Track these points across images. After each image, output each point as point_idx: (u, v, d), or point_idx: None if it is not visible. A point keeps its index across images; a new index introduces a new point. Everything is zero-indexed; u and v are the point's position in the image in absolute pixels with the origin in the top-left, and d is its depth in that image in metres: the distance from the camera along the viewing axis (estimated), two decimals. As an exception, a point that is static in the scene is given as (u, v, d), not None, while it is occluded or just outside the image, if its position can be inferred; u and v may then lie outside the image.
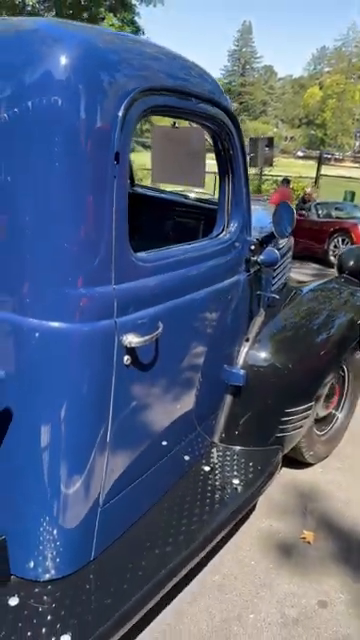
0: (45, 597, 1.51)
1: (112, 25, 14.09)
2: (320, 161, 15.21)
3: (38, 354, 1.34)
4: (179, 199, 2.91)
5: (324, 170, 16.22)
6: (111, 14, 14.35)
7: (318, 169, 15.29)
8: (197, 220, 2.59)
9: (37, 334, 1.33)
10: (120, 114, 1.31)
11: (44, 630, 1.42)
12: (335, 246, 9.40)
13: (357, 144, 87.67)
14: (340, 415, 3.09)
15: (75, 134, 1.26)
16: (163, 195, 3.07)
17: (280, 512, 2.59)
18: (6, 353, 1.34)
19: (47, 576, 1.55)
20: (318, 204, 10.80)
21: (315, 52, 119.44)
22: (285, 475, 2.84)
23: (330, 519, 2.56)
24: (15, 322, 1.32)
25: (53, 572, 1.55)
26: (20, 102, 1.27)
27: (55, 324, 1.34)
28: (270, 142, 13.00)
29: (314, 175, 15.64)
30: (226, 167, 1.94)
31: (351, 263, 3.41)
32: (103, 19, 14.17)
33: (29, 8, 14.05)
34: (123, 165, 1.36)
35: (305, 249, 9.34)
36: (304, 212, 10.27)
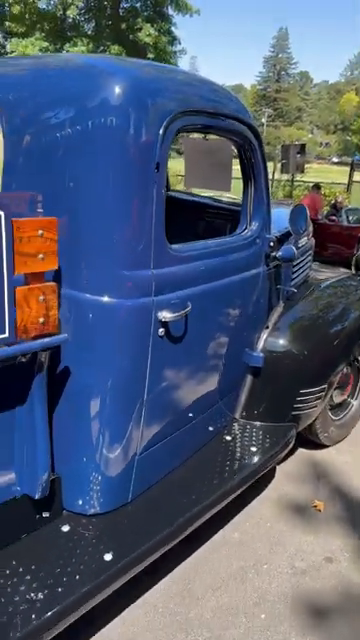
0: (90, 527, 1.83)
1: (149, 35, 14.56)
2: (352, 168, 15.31)
3: (92, 323, 1.68)
4: (208, 201, 3.23)
5: (357, 176, 16.31)
6: (148, 24, 14.81)
7: (350, 175, 15.40)
8: (223, 219, 2.89)
9: (91, 307, 1.66)
10: (161, 132, 1.64)
11: (90, 549, 1.74)
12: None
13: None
14: (355, 402, 3.34)
15: (125, 148, 1.59)
16: (194, 198, 3.39)
17: (295, 483, 2.87)
18: (68, 322, 1.67)
19: (92, 511, 1.87)
20: (349, 210, 10.94)
21: (352, 58, 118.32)
22: (302, 454, 3.12)
23: (339, 492, 2.83)
24: (76, 297, 1.66)
25: (97, 508, 1.88)
26: (82, 121, 1.61)
27: (105, 299, 1.67)
28: (302, 149, 13.23)
29: (347, 181, 15.76)
30: (249, 174, 2.25)
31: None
32: (140, 29, 14.65)
33: (70, 20, 14.65)
34: (162, 173, 1.68)
35: (335, 254, 9.50)
36: (335, 218, 10.43)
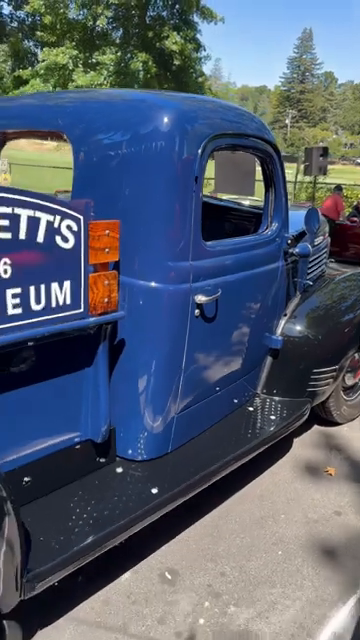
0: (139, 469, 2.27)
1: (175, 43, 15.03)
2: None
3: (142, 303, 2.11)
4: (235, 205, 3.64)
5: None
6: (175, 32, 15.30)
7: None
8: (248, 220, 3.30)
9: (142, 290, 2.10)
10: (199, 152, 2.07)
11: (139, 485, 2.17)
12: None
13: None
14: (365, 384, 3.72)
15: (171, 165, 2.02)
16: (222, 202, 3.82)
17: (310, 452, 3.27)
18: (124, 302, 2.10)
19: (140, 457, 2.31)
20: (369, 212, 11.21)
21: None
22: (317, 429, 3.52)
23: (350, 461, 3.22)
24: (130, 283, 2.09)
25: (144, 455, 2.31)
26: (137, 144, 2.05)
27: (153, 284, 2.10)
28: (325, 151, 13.47)
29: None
30: (269, 182, 2.66)
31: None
32: (167, 37, 15.14)
33: (98, 29, 15.22)
34: (199, 184, 2.11)
35: (356, 254, 9.81)
36: (356, 219, 10.72)
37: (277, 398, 3.04)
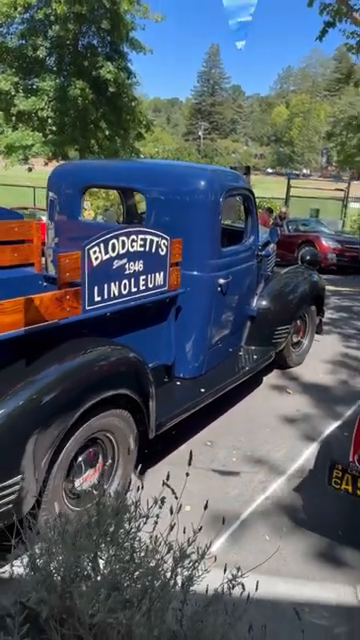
0: (189, 382, 3.91)
1: (110, 72, 16.61)
2: (289, 184, 17.94)
3: (192, 284, 3.76)
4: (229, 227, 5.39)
5: (294, 186, 18.95)
6: (109, 62, 16.87)
7: (287, 191, 18.02)
8: (237, 235, 5.02)
9: (191, 277, 3.75)
10: (221, 200, 3.76)
11: (193, 388, 3.81)
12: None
13: (323, 160, 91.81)
14: (305, 341, 5.58)
15: (207, 208, 3.71)
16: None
17: (276, 381, 5.06)
18: (184, 284, 3.72)
19: (189, 376, 3.94)
20: (289, 221, 13.42)
21: (281, 72, 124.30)
22: (279, 371, 5.31)
23: (300, 386, 5.03)
24: (185, 273, 3.72)
25: (192, 374, 3.95)
26: (187, 195, 3.72)
27: (196, 273, 3.76)
28: (248, 170, 15.57)
29: (284, 195, 18.38)
30: (247, 212, 4.41)
31: (307, 258, 5.93)
32: (102, 67, 16.68)
33: (32, 56, 16.38)
34: (220, 217, 3.80)
35: (280, 257, 11.88)
36: (278, 228, 12.86)
37: (253, 347, 4.78)
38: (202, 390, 3.80)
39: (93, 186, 4.23)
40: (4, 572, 1.65)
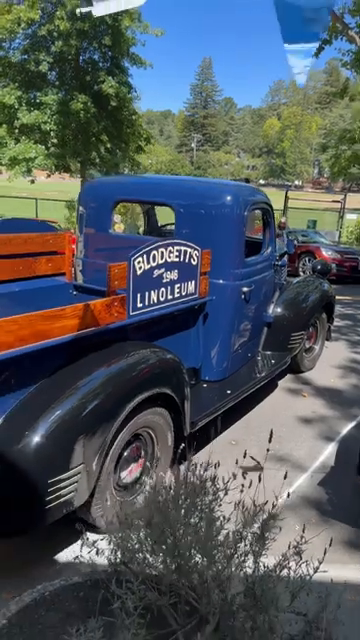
0: (215, 385, 4.14)
1: (112, 86, 16.97)
2: (287, 195, 18.31)
3: (217, 292, 4.00)
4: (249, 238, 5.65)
5: (290, 197, 19.34)
6: (110, 77, 17.23)
7: (285, 202, 18.38)
8: (257, 246, 5.28)
9: (218, 285, 3.99)
10: (245, 213, 4.03)
11: (219, 390, 4.05)
12: (303, 264, 12.30)
13: (315, 172, 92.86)
14: (316, 347, 5.84)
15: (233, 220, 3.97)
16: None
17: (291, 384, 5.29)
18: (211, 292, 3.97)
19: (214, 379, 4.18)
20: (289, 232, 13.74)
21: (272, 85, 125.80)
22: (293, 375, 5.56)
23: (314, 388, 5.28)
24: (214, 282, 3.97)
25: (217, 377, 4.19)
26: (215, 209, 3.98)
27: (223, 282, 4.02)
28: (247, 181, 15.96)
29: (281, 206, 18.75)
30: (266, 224, 4.68)
31: (318, 267, 6.21)
32: (103, 82, 17.04)
33: (43, 71, 16.73)
34: (245, 229, 4.06)
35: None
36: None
37: (269, 352, 5.03)
38: (228, 392, 4.03)
39: (124, 200, 4.50)
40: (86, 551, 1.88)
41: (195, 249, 3.64)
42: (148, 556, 1.56)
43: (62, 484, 2.49)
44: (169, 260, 3.42)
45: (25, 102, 17.09)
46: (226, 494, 1.81)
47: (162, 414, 3.25)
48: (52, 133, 16.96)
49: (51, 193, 26.28)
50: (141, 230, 6.62)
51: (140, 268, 3.18)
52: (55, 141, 17.40)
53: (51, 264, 4.25)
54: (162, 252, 3.35)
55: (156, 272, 3.33)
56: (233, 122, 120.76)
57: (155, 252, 3.28)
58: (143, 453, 3.26)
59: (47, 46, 16.98)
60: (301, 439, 4.30)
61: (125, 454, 3.08)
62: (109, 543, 1.78)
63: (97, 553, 1.73)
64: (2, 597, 2.50)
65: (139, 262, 3.16)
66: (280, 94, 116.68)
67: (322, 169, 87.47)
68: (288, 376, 5.55)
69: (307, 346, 5.67)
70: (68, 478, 2.52)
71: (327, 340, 6.11)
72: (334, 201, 19.17)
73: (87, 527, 2.23)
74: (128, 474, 3.14)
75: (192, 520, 1.63)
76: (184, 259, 3.56)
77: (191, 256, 3.63)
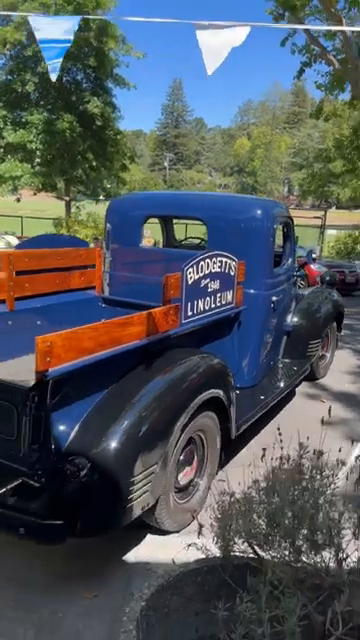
0: (248, 390, 4.29)
1: (97, 106, 17.26)
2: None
3: (250, 301, 4.18)
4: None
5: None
6: (95, 97, 17.52)
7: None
8: (279, 258, 5.48)
9: (250, 295, 4.17)
10: (274, 226, 4.23)
11: (253, 395, 4.20)
12: (293, 277, 12.59)
13: (285, 190, 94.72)
14: (328, 355, 6.05)
15: (263, 233, 4.17)
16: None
17: (308, 391, 5.48)
18: (245, 301, 4.14)
19: (246, 385, 4.33)
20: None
21: (241, 105, 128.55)
22: (309, 382, 5.75)
23: (331, 393, 5.47)
24: (247, 292, 4.14)
25: (249, 384, 4.34)
26: (245, 223, 4.17)
27: (254, 291, 4.19)
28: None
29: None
30: (287, 237, 4.89)
31: (327, 279, 6.47)
32: (88, 102, 17.31)
33: (30, 93, 16.92)
34: (273, 241, 4.26)
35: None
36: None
37: (288, 360, 5.21)
38: (262, 397, 4.19)
39: (154, 216, 4.67)
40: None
41: (233, 260, 3.82)
42: (272, 538, 1.69)
43: (139, 484, 2.59)
44: (213, 271, 3.59)
45: (10, 121, 17.20)
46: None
47: (212, 417, 3.37)
48: (38, 152, 17.08)
49: (32, 212, 26.30)
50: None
51: (191, 278, 3.33)
52: (39, 160, 17.52)
53: (83, 278, 4.37)
54: (208, 263, 3.51)
55: (203, 282, 3.49)
56: (204, 142, 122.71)
57: (203, 263, 3.44)
58: (195, 456, 3.38)
59: (32, 67, 17.18)
60: (329, 440, 4.44)
61: (181, 457, 3.20)
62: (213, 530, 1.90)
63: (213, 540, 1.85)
64: (85, 596, 2.58)
65: (190, 272, 3.31)
66: (249, 114, 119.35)
67: (292, 187, 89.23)
68: (304, 384, 5.74)
69: (320, 354, 5.87)
70: (144, 478, 2.63)
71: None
72: (315, 217, 19.71)
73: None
74: (184, 476, 3.25)
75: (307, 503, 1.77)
76: (224, 269, 3.73)
77: (230, 267, 3.80)
